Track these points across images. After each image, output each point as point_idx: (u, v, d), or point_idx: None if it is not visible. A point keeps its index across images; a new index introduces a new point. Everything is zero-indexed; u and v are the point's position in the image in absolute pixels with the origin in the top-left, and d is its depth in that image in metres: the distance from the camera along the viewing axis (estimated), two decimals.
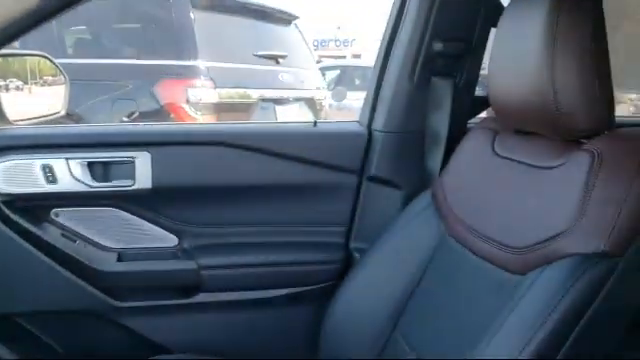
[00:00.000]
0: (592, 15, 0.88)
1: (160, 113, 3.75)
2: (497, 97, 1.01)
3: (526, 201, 0.94)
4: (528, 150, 0.99)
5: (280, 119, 4.07)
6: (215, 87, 3.98)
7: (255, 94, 4.28)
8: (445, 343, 0.99)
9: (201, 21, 4.01)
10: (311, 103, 4.71)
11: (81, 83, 2.77)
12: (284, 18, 4.70)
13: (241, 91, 4.26)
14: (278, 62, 4.50)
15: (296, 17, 4.83)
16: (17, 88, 1.79)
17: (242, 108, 4.21)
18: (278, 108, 4.42)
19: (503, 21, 0.99)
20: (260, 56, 4.36)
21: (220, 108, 4.00)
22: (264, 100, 4.33)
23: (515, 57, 0.94)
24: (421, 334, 1.08)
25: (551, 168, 0.92)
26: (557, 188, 0.89)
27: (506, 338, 0.81)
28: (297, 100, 4.61)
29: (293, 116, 4.24)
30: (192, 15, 3.98)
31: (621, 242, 0.80)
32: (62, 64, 1.58)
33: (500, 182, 1.03)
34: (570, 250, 0.82)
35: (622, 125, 0.93)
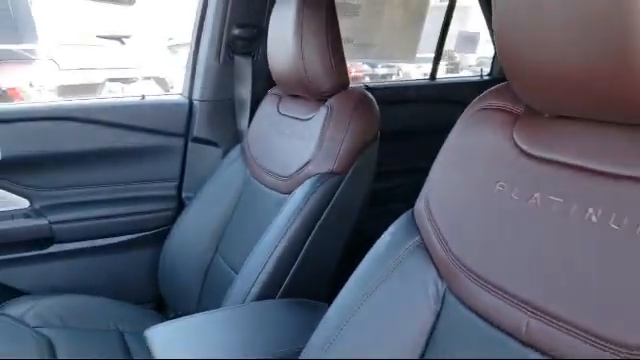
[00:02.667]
0: (325, 8, 1.26)
1: (2, 98, 3.73)
2: (274, 71, 1.38)
3: (293, 143, 1.32)
4: (295, 108, 1.38)
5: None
6: (59, 70, 4.01)
7: (102, 75, 4.35)
8: (250, 259, 1.33)
9: (39, 4, 3.99)
10: (161, 81, 4.86)
11: None
12: None
13: (88, 72, 4.30)
14: (123, 42, 4.59)
15: None
16: None
17: (89, 89, 4.27)
18: (126, 87, 4.52)
19: (272, 15, 1.36)
20: (103, 37, 4.42)
21: (66, 90, 4.04)
22: (112, 80, 4.41)
23: (279, 41, 1.31)
24: (235, 254, 1.43)
25: (307, 120, 1.32)
26: (308, 133, 1.28)
27: (264, 245, 1.18)
28: (146, 79, 4.72)
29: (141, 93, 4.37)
30: None
31: (343, 164, 1.21)
32: None
33: (280, 132, 1.40)
34: (313, 172, 1.22)
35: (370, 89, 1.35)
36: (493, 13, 0.62)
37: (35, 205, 1.59)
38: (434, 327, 0.72)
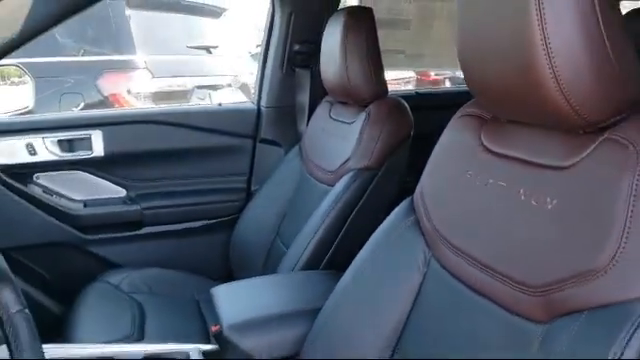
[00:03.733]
0: (365, 29, 1.49)
1: (105, 104, 4.18)
2: (325, 81, 1.61)
3: (338, 143, 1.55)
4: (343, 113, 1.61)
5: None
6: (153, 77, 4.45)
7: (191, 82, 4.74)
8: (298, 239, 1.54)
9: (136, 17, 4.43)
10: (245, 88, 5.22)
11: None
12: (214, 11, 5.15)
13: (179, 80, 4.70)
14: (210, 52, 4.97)
15: (224, 10, 5.27)
16: None
17: (179, 95, 4.69)
18: (213, 93, 4.90)
19: (324, 34, 1.59)
20: (193, 48, 4.82)
21: (159, 96, 4.47)
22: (199, 87, 4.80)
23: (329, 56, 1.55)
24: (290, 237, 1.67)
25: (351, 123, 1.54)
26: (350, 134, 1.50)
27: (309, 229, 1.36)
28: (231, 86, 5.10)
29: (227, 100, 4.74)
30: (127, 13, 4.40)
31: (377, 160, 1.43)
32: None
33: (329, 133, 1.64)
34: (351, 167, 1.44)
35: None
36: (457, 42, 0.82)
37: (130, 194, 1.92)
38: (421, 285, 0.92)
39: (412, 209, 0.98)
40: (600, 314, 0.61)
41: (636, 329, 0.57)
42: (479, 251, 0.81)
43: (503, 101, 0.77)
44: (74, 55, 4.39)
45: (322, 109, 1.75)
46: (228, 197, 1.98)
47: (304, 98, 1.92)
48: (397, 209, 1.02)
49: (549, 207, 0.71)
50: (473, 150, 0.87)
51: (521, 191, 0.76)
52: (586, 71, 0.64)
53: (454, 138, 0.93)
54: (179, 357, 1.24)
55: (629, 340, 0.56)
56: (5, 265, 0.83)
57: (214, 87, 4.83)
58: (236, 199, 1.98)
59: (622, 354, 0.56)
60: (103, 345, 1.24)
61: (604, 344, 0.57)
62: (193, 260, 1.92)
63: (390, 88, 1.58)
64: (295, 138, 1.92)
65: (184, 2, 4.83)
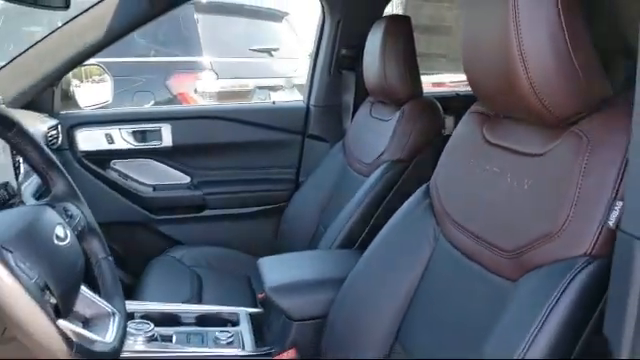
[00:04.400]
0: (403, 35, 1.65)
1: (173, 101, 4.49)
2: (367, 82, 1.79)
3: (376, 138, 1.72)
4: (381, 112, 1.78)
5: None
6: (217, 78, 4.73)
7: (253, 83, 5.00)
8: (335, 223, 1.74)
9: (203, 21, 4.73)
10: (301, 87, 5.44)
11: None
12: (275, 15, 5.39)
13: (242, 80, 4.97)
14: (271, 54, 5.22)
15: (286, 14, 5.50)
16: (76, 86, 2.57)
17: (242, 95, 4.97)
18: (273, 94, 5.15)
19: (367, 41, 1.77)
20: (255, 50, 5.08)
21: (223, 95, 4.75)
22: (260, 87, 5.06)
23: (370, 60, 1.73)
24: (331, 223, 1.86)
25: (388, 120, 1.71)
26: (386, 130, 1.67)
27: (344, 214, 1.53)
28: (289, 86, 5.33)
29: (285, 99, 4.97)
30: (195, 17, 4.71)
31: (408, 154, 1.59)
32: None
33: (369, 130, 1.81)
34: (385, 160, 1.61)
35: None
36: (462, 50, 0.98)
37: (193, 181, 2.17)
38: (430, 256, 1.08)
39: (427, 194, 1.14)
40: (552, 268, 0.76)
41: (574, 277, 0.72)
42: (473, 225, 0.96)
43: (494, 100, 0.94)
44: (146, 55, 4.75)
45: (364, 108, 1.93)
46: (278, 186, 2.19)
47: (349, 98, 2.10)
48: (415, 194, 1.17)
49: (525, 187, 0.87)
50: (476, 142, 1.02)
51: (508, 175, 0.92)
52: (554, 76, 0.78)
53: (463, 132, 1.08)
54: (229, 318, 1.45)
55: (566, 287, 0.71)
56: (94, 220, 1.05)
57: (274, 88, 5.08)
58: (285, 188, 2.19)
59: (559, 299, 0.71)
60: (166, 304, 1.47)
61: (549, 291, 0.73)
62: (246, 241, 2.13)
63: (455, 89, 1.72)
64: (340, 134, 2.10)
65: (248, 7, 5.11)
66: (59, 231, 0.85)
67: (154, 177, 2.15)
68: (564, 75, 0.79)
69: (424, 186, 1.18)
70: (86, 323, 0.89)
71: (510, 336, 0.74)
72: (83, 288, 0.92)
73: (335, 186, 1.92)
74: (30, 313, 0.66)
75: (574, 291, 0.71)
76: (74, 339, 0.73)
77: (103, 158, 2.10)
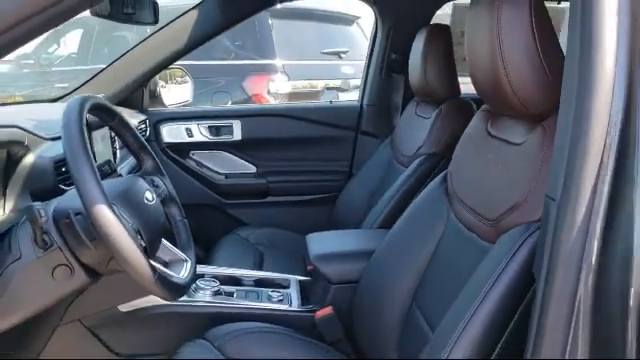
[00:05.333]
0: (443, 40, 1.86)
1: (248, 102, 4.84)
2: (412, 83, 2.01)
3: (416, 133, 1.94)
4: (423, 110, 2.00)
5: None
6: (289, 80, 5.05)
7: (321, 84, 5.27)
8: (376, 206, 1.97)
9: (277, 26, 5.05)
10: None
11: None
12: (346, 19, 5.62)
13: (312, 82, 5.24)
14: (340, 57, 5.47)
15: (357, 17, 5.71)
16: (162, 87, 2.94)
17: (311, 95, 5.25)
18: (341, 95, 5.41)
19: (412, 47, 1.99)
20: (325, 53, 5.35)
21: (293, 96, 5.05)
22: (329, 88, 5.33)
23: (414, 63, 1.95)
24: None
25: (427, 118, 1.93)
26: (425, 126, 1.89)
27: (385, 197, 1.78)
28: (356, 88, 5.55)
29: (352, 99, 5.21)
30: (270, 22, 5.03)
31: (443, 149, 1.80)
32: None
33: (412, 127, 2.03)
34: (423, 153, 1.83)
35: None
36: (467, 57, 1.20)
37: (259, 170, 2.47)
38: (443, 232, 1.30)
39: (444, 180, 1.35)
40: (515, 230, 0.97)
41: (527, 238, 0.92)
42: (471, 201, 1.18)
43: (488, 99, 1.15)
44: (224, 58, 5.13)
45: (410, 107, 2.14)
46: (333, 177, 2.45)
47: (398, 98, 2.32)
48: (434, 180, 1.38)
49: (507, 170, 1.08)
50: (481, 134, 1.22)
51: (499, 161, 1.13)
52: (528, 78, 0.96)
53: (473, 127, 1.28)
54: (282, 283, 1.72)
55: (521, 245, 0.92)
56: (174, 191, 1.34)
57: (341, 89, 5.33)
58: (339, 179, 2.44)
59: (514, 254, 0.92)
60: (230, 269, 1.76)
61: (508, 248, 0.94)
62: (303, 224, 2.40)
63: None
64: (389, 131, 2.33)
65: (320, 11, 5.38)
66: (148, 195, 1.15)
67: (225, 166, 2.46)
68: (536, 78, 0.97)
69: (443, 173, 1.39)
70: (165, 265, 1.17)
71: (478, 284, 0.95)
72: (164, 241, 1.21)
73: (382, 177, 2.15)
74: (129, 246, 0.94)
75: (528, 247, 0.92)
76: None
77: (183, 149, 2.43)
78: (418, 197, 1.42)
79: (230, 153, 2.46)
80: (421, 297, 1.27)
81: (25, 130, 1.31)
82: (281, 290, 1.63)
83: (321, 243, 1.63)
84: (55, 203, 1.06)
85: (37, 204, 1.00)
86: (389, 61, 2.32)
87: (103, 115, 1.19)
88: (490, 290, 0.92)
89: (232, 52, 5.11)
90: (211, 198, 2.42)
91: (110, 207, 0.94)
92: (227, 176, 2.46)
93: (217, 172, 2.46)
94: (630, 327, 0.73)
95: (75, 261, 1.02)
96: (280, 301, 1.57)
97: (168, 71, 2.58)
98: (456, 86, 1.91)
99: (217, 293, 1.55)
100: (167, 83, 2.79)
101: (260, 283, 1.69)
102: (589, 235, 0.76)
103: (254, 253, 2.10)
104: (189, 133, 2.40)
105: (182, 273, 1.17)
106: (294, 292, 1.64)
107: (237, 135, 2.41)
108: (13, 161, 1.27)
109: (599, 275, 0.77)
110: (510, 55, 0.97)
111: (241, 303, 1.54)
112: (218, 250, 2.12)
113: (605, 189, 0.75)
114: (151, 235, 1.08)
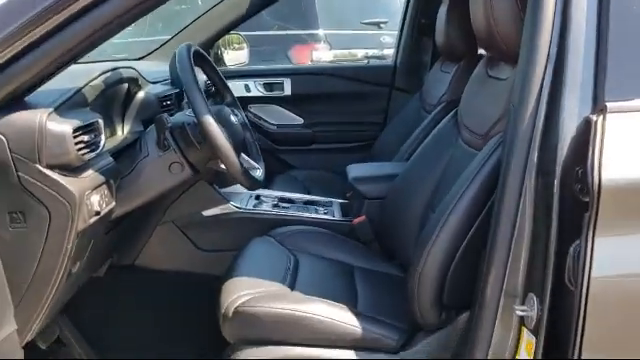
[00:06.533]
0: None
1: None
2: (438, 43, 2.37)
3: (438, 83, 2.31)
4: (447, 66, 2.37)
5: None
6: (330, 49, 5.41)
7: (362, 52, 5.62)
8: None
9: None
10: None
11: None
12: None
13: (352, 50, 5.58)
14: (380, 27, 5.79)
15: None
16: (224, 50, 3.35)
17: None
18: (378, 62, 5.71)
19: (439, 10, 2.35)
20: (365, 23, 5.69)
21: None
22: (368, 57, 5.66)
23: (438, 24, 2.31)
24: None
25: (446, 72, 2.29)
26: (446, 78, 2.25)
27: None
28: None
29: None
30: None
31: None
32: None
33: (437, 79, 2.39)
34: (445, 100, 2.20)
35: None
36: None
37: (306, 122, 2.89)
38: (452, 154, 1.68)
39: (455, 114, 1.73)
40: (493, 139, 1.32)
41: (501, 142, 1.28)
42: (471, 124, 1.56)
43: (482, 42, 1.50)
44: (269, 29, 5.50)
45: (436, 65, 2.50)
46: (369, 128, 2.85)
47: (427, 58, 2.70)
48: (450, 114, 1.75)
49: (496, 99, 1.45)
50: (482, 76, 1.59)
51: (492, 94, 1.50)
52: (507, 21, 1.28)
53: (477, 71, 1.66)
54: (326, 203, 2.14)
55: (496, 147, 1.28)
56: (246, 120, 1.77)
57: (380, 57, 5.66)
58: (374, 129, 2.83)
59: (490, 156, 1.26)
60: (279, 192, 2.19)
61: (486, 152, 1.30)
62: (343, 167, 2.81)
63: None
64: (419, 87, 2.68)
65: None
66: (232, 117, 1.58)
67: (277, 118, 2.89)
68: (514, 24, 1.26)
69: (454, 110, 1.76)
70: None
71: (462, 183, 1.30)
72: (242, 154, 1.65)
73: (411, 125, 2.52)
74: (226, 145, 1.39)
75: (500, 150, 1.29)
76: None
77: (242, 103, 2.85)
78: (434, 129, 1.81)
79: (281, 106, 2.89)
80: (433, 204, 1.59)
81: (138, 71, 1.76)
82: (326, 207, 2.06)
83: (358, 169, 2.05)
84: (171, 119, 1.51)
85: (164, 115, 1.45)
86: (419, 25, 2.68)
87: (199, 60, 1.62)
88: (467, 188, 1.25)
89: (276, 23, 5.50)
90: (266, 144, 2.85)
91: (214, 119, 1.38)
92: (278, 126, 2.89)
93: (270, 123, 2.89)
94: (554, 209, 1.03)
95: (184, 160, 1.47)
96: (325, 213, 2.00)
97: (227, 37, 2.97)
98: (474, 45, 2.25)
99: (276, 206, 1.98)
100: (226, 49, 3.18)
101: (309, 203, 2.12)
102: (535, 128, 1.13)
103: (302, 189, 2.52)
104: (247, 89, 2.83)
105: (257, 174, 1.61)
106: (336, 209, 2.06)
107: (287, 91, 2.84)
108: (129, 96, 1.71)
109: (540, 169, 1.07)
110: (498, 12, 1.32)
111: (295, 213, 1.97)
112: (272, 186, 2.55)
113: (546, 92, 1.08)
114: (235, 143, 1.52)
